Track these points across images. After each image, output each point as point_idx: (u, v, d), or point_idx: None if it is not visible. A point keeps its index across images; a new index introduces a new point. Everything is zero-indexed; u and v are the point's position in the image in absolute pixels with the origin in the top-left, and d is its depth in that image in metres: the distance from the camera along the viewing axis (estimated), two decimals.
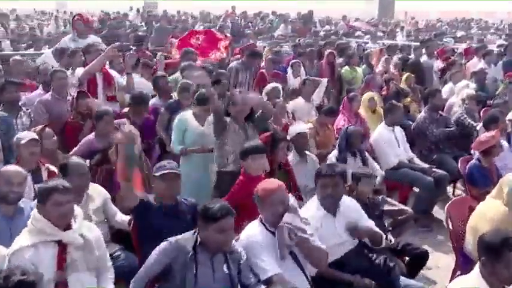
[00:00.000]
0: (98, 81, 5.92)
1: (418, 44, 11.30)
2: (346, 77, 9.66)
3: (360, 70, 10.09)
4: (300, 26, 16.30)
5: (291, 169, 4.96)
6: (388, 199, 5.31)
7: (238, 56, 9.37)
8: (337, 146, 5.62)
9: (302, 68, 9.15)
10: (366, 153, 5.70)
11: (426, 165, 6.23)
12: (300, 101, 7.75)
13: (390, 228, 4.66)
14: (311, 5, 21.19)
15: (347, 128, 5.63)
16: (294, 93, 8.07)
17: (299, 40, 13.46)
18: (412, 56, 10.64)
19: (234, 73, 7.83)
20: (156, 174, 3.84)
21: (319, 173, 3.84)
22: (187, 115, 5.22)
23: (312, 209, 3.85)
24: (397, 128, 6.37)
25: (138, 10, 22.94)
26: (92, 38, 8.26)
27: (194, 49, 8.21)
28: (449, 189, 7.00)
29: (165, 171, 3.80)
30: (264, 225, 3.35)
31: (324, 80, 8.22)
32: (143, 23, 16.80)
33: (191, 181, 4.97)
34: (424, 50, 10.43)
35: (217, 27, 14.06)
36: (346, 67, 9.83)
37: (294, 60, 9.25)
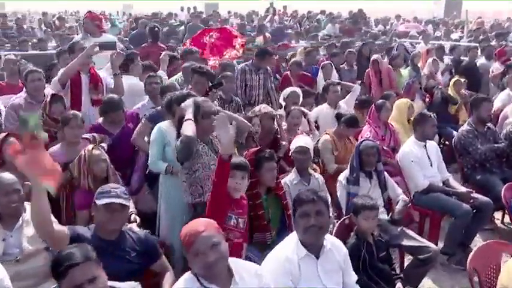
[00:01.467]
0: (83, 82, 5.29)
1: (475, 44, 10.01)
2: None
3: (405, 73, 9.01)
4: (349, 25, 15.22)
5: (284, 194, 4.08)
6: (409, 232, 4.34)
7: None
8: (348, 165, 4.66)
9: (334, 71, 8.18)
10: (385, 174, 4.71)
11: (464, 189, 5.14)
12: (324, 107, 6.84)
13: (401, 276, 3.68)
14: (379, 4, 19.98)
15: (360, 142, 4.66)
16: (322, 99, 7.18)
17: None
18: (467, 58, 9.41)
19: (241, 75, 7.04)
20: (97, 201, 3.10)
21: (297, 200, 2.98)
22: (165, 126, 4.32)
23: (287, 249, 2.98)
24: (431, 144, 5.32)
25: (188, 9, 22.55)
26: (106, 37, 7.74)
27: (208, 48, 7.52)
28: (499, 215, 5.87)
29: (108, 201, 3.06)
30: (198, 279, 2.51)
31: (356, 86, 7.23)
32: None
33: (171, 202, 4.21)
34: (480, 51, 9.15)
35: (256, 27, 13.35)
36: None
37: (324, 62, 8.29)
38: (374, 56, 8.28)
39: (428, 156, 5.22)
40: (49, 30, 14.89)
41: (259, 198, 3.86)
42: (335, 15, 17.06)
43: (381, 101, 6.18)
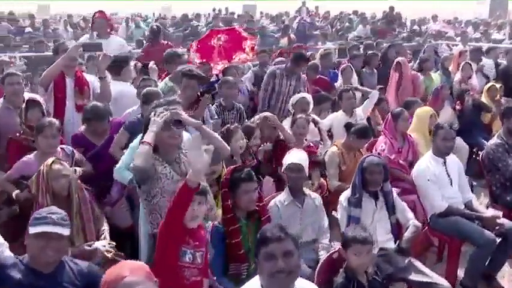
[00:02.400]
0: (67, 86, 4.89)
1: None
2: None
3: (436, 78, 8.28)
4: (382, 26, 14.46)
5: (269, 219, 3.53)
6: (418, 264, 3.73)
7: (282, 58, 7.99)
8: (351, 184, 4.07)
9: (354, 74, 7.55)
10: (394, 194, 4.09)
11: (489, 213, 4.45)
12: (338, 115, 6.24)
13: None
14: (417, 4, 19.07)
15: (364, 158, 4.05)
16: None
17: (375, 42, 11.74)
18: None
19: (270, 78, 6.44)
20: (30, 229, 2.65)
21: (261, 238, 2.41)
22: None
23: None
24: (451, 159, 4.65)
25: (220, 10, 22.21)
26: (113, 38, 7.37)
27: (216, 52, 7.03)
28: None
29: (41, 230, 2.61)
30: None
31: (374, 92, 6.60)
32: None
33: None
34: None
35: (281, 27, 12.81)
36: (419, 74, 8.07)
37: (344, 65, 7.66)
38: (399, 58, 7.59)
39: (448, 173, 4.56)
40: (74, 31, 14.79)
41: (235, 224, 3.33)
42: (367, 16, 16.30)
43: (398, 109, 5.53)
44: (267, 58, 8.09)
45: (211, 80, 6.37)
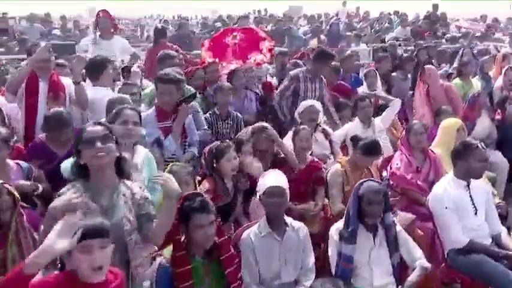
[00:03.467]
0: (40, 91, 4.40)
1: None
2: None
3: (476, 83, 7.37)
4: (424, 27, 13.45)
5: (231, 258, 2.88)
6: None
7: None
8: (344, 215, 3.36)
9: (379, 79, 6.77)
10: (397, 228, 3.36)
11: None
12: (354, 125, 5.52)
13: None
14: (469, 4, 17.79)
15: (360, 184, 3.34)
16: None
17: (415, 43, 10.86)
18: None
19: (292, 82, 5.78)
20: None
21: None
22: None
23: None
24: (477, 184, 3.86)
25: (259, 12, 21.69)
26: (117, 39, 6.93)
27: (230, 50, 6.42)
28: None
29: None
30: None
31: (396, 100, 5.83)
32: None
33: None
34: None
35: (310, 29, 12.10)
36: (457, 79, 7.20)
37: (368, 69, 6.88)
38: (426, 66, 6.70)
39: (472, 200, 3.78)
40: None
41: (187, 264, 2.71)
42: (410, 17, 15.29)
43: (414, 121, 4.77)
44: (286, 61, 7.42)
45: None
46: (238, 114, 5.10)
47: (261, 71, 7.61)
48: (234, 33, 6.57)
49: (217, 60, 6.36)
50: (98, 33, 6.80)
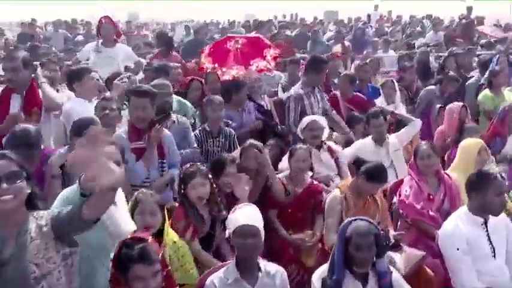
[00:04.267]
0: (12, 105, 4.06)
1: None
2: (486, 107, 6.38)
3: (509, 95, 6.68)
4: (458, 32, 12.64)
5: None
6: None
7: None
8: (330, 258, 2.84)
9: (398, 91, 6.17)
10: (394, 276, 2.82)
11: None
12: (366, 143, 4.99)
13: None
14: None
15: (348, 223, 2.81)
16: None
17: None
18: None
19: (296, 103, 5.25)
20: None
21: None
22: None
23: None
24: (497, 219, 3.27)
25: (291, 16, 21.19)
26: (120, 47, 6.58)
27: (232, 55, 5.99)
28: None
29: None
30: None
31: (417, 121, 5.27)
32: None
33: None
34: None
35: (334, 33, 11.51)
36: (487, 91, 6.55)
37: (386, 79, 6.29)
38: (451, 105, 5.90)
39: (490, 240, 3.20)
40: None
41: None
42: (443, 20, 14.44)
43: (421, 143, 4.20)
44: (296, 69, 6.91)
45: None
46: (231, 130, 4.63)
47: (273, 79, 7.16)
48: (237, 39, 6.14)
49: (216, 65, 5.95)
50: (100, 41, 6.48)
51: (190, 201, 3.33)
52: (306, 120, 4.76)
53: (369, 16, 18.54)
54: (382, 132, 4.87)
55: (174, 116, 4.28)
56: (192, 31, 13.17)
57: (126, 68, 6.38)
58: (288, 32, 12.73)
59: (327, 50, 10.52)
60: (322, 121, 4.75)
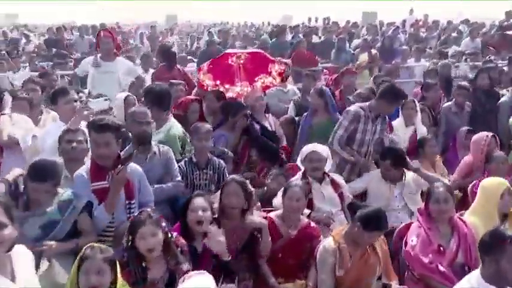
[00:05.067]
0: None
1: None
2: None
3: None
4: (497, 38, 11.78)
5: None
6: None
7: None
8: None
9: (419, 114, 5.58)
10: None
11: None
12: (374, 176, 4.54)
13: None
14: None
15: None
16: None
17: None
18: None
19: (352, 122, 4.60)
20: None
21: None
22: None
23: None
24: None
25: (324, 20, 20.55)
26: (120, 61, 6.24)
27: (235, 70, 5.58)
28: None
29: None
30: None
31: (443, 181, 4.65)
32: None
33: None
34: None
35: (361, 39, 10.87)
36: None
37: (409, 99, 5.64)
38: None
39: None
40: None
41: None
42: (484, 25, 13.49)
43: (436, 185, 3.62)
44: (311, 83, 6.40)
45: None
46: (221, 162, 4.16)
47: (286, 95, 6.68)
48: (238, 55, 5.70)
49: (218, 82, 5.52)
50: (99, 55, 6.15)
51: (137, 257, 2.87)
52: (306, 150, 4.27)
53: (404, 21, 17.75)
54: (395, 175, 4.34)
55: (155, 147, 3.86)
56: (215, 37, 12.82)
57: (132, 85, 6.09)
58: (315, 39, 12.24)
59: (352, 59, 9.96)
60: (324, 151, 4.24)
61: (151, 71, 7.77)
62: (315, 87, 5.70)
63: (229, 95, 5.53)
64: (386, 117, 4.88)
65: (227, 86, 5.60)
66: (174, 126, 4.46)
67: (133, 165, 3.37)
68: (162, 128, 4.37)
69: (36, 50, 13.76)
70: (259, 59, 5.74)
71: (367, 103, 4.74)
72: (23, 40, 15.13)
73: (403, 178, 4.35)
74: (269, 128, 5.30)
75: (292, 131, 5.67)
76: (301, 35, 11.41)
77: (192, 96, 4.96)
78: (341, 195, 4.24)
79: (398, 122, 5.59)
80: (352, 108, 4.71)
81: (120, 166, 3.15)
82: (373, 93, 5.39)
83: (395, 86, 4.82)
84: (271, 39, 11.05)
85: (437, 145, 5.37)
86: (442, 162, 5.35)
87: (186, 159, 4.08)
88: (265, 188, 4.39)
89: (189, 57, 10.18)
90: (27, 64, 9.94)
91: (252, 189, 3.58)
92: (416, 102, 5.66)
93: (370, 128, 4.64)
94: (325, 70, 9.77)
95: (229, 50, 5.98)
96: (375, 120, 4.66)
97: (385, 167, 4.39)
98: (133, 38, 14.77)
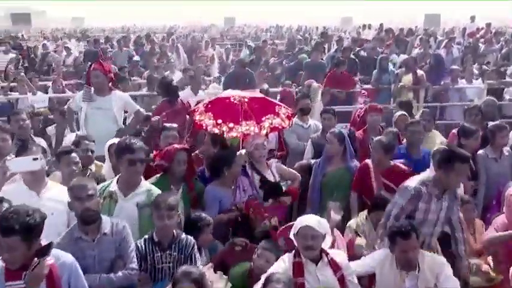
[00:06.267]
0: None
1: None
2: None
3: None
4: None
5: None
6: None
7: None
8: None
9: None
10: None
11: None
12: (389, 260, 3.61)
13: None
14: None
15: None
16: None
17: None
18: None
19: (415, 203, 3.77)
20: None
21: None
22: None
23: None
24: None
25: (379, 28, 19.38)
26: (115, 95, 5.62)
27: (239, 110, 4.89)
28: None
29: None
30: None
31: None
32: None
33: None
34: None
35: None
36: None
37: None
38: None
39: None
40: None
41: None
42: None
43: None
44: (333, 121, 5.57)
45: None
46: (190, 239, 3.38)
47: (307, 132, 5.89)
48: (241, 94, 4.98)
49: (220, 121, 4.87)
50: (93, 88, 5.56)
51: None
52: (298, 223, 3.45)
53: (464, 30, 16.30)
54: (410, 259, 3.46)
55: (108, 224, 3.17)
56: (247, 52, 12.14)
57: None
58: (362, 52, 11.19)
59: (395, 80, 8.88)
60: (318, 225, 3.40)
61: (201, 92, 7.28)
62: (332, 131, 4.91)
63: (232, 134, 4.87)
64: (457, 191, 3.96)
65: (231, 125, 4.91)
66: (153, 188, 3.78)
67: (62, 256, 2.72)
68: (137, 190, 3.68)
69: (73, 63, 13.59)
70: (263, 100, 5.09)
71: (431, 175, 3.82)
72: (64, 53, 14.99)
73: (417, 267, 3.45)
74: (271, 178, 4.60)
75: (308, 180, 4.99)
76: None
77: (178, 145, 4.23)
78: (341, 280, 3.41)
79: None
80: (411, 184, 3.81)
81: (35, 260, 2.51)
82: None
83: (453, 149, 3.86)
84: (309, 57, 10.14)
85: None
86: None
87: (147, 236, 3.35)
88: (252, 263, 3.64)
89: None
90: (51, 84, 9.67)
91: (209, 283, 2.84)
92: None
93: (433, 208, 3.80)
94: (363, 91, 8.86)
95: (227, 94, 5.20)
96: (439, 196, 3.79)
97: (396, 250, 3.50)
98: (171, 50, 14.19)
